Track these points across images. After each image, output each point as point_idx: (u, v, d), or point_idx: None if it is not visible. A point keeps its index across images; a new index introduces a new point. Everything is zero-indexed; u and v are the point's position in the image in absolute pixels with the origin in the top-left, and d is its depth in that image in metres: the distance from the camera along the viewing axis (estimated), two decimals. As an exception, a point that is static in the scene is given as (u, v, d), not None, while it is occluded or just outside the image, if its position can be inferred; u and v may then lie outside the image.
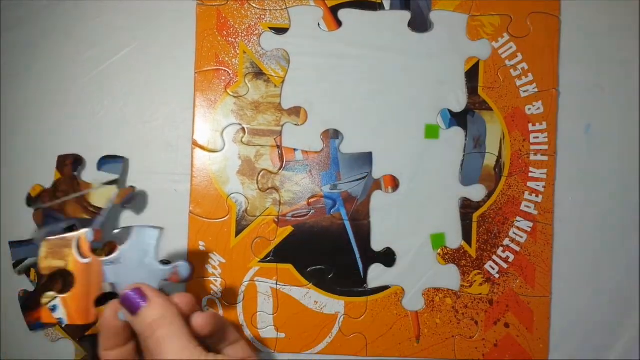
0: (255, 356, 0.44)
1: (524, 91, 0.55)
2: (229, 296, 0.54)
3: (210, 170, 0.55)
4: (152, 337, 0.40)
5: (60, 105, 0.56)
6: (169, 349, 0.39)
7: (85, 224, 0.53)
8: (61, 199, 0.53)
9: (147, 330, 0.40)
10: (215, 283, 0.54)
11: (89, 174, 0.55)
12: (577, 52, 0.55)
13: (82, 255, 0.46)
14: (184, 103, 0.55)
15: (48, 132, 0.55)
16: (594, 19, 0.56)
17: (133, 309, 0.41)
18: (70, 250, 0.46)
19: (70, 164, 0.55)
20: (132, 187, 0.54)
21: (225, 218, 0.55)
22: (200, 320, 0.42)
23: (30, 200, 0.54)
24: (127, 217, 0.55)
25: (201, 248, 0.54)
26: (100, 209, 0.54)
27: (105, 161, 0.55)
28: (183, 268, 0.46)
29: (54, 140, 0.55)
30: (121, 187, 0.54)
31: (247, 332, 0.54)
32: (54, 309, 0.47)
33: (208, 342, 0.43)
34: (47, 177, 0.55)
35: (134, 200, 0.54)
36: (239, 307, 0.54)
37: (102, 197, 0.54)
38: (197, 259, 0.54)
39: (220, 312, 0.54)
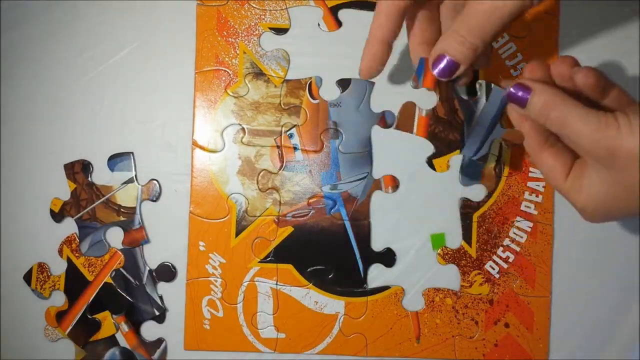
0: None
1: (524, 91, 0.55)
2: (229, 296, 0.54)
3: (210, 170, 0.55)
4: (549, 120, 0.40)
5: (60, 106, 0.56)
6: (571, 121, 0.39)
7: (124, 226, 0.54)
8: (88, 208, 0.54)
9: (542, 116, 0.41)
10: (215, 283, 0.54)
11: (101, 175, 0.55)
12: (577, 52, 0.55)
13: (313, 97, 0.54)
14: (184, 103, 0.55)
15: (48, 132, 0.55)
16: (594, 19, 0.56)
17: (521, 103, 0.42)
18: (304, 92, 0.54)
19: (80, 170, 0.55)
20: (153, 179, 0.55)
21: (225, 218, 0.55)
22: (581, 75, 0.41)
23: (56, 216, 0.54)
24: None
25: (201, 248, 0.54)
26: (132, 208, 0.54)
27: (116, 160, 0.55)
28: (389, 114, 0.54)
29: (54, 140, 0.55)
30: (141, 182, 0.55)
31: (247, 332, 0.54)
32: (291, 136, 0.54)
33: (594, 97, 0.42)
34: (47, 177, 0.55)
35: (160, 193, 0.55)
36: (239, 307, 0.54)
37: (128, 196, 0.55)
38: (197, 259, 0.55)
39: (221, 312, 0.54)
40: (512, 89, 0.42)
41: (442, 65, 0.43)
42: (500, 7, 0.40)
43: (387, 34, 0.43)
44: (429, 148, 0.54)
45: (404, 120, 0.54)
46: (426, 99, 0.54)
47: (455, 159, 0.54)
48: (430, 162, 0.54)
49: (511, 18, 0.41)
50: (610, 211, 0.42)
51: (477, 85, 0.54)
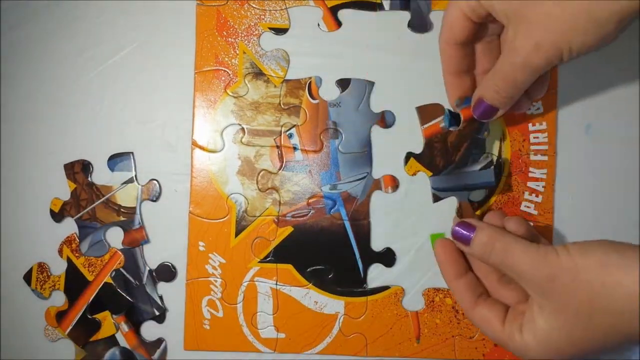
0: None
1: (524, 91, 0.55)
2: (229, 296, 0.54)
3: (210, 170, 0.55)
4: (494, 251, 0.44)
5: (60, 106, 0.56)
6: (513, 251, 0.43)
7: (124, 226, 0.54)
8: (88, 208, 0.54)
9: (486, 250, 0.44)
10: (215, 283, 0.54)
11: (101, 175, 0.55)
12: (577, 52, 0.55)
13: (312, 97, 0.54)
14: (184, 103, 0.55)
15: (48, 132, 0.55)
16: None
17: (465, 241, 0.46)
18: (304, 92, 0.54)
19: (80, 170, 0.55)
20: (153, 179, 0.55)
21: (225, 218, 0.55)
22: (512, 224, 0.47)
23: (56, 216, 0.55)
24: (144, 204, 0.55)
25: (201, 248, 0.54)
26: (132, 208, 0.54)
27: (116, 160, 0.55)
28: (389, 114, 0.54)
29: (54, 140, 0.55)
30: (141, 182, 0.55)
31: (247, 332, 0.54)
32: (290, 136, 0.54)
33: None
34: (47, 177, 0.55)
35: (160, 193, 0.55)
36: (239, 307, 0.55)
37: (128, 196, 0.55)
38: (196, 259, 0.55)
39: (220, 312, 0.54)
40: (456, 227, 0.46)
41: (481, 109, 0.47)
42: (530, 64, 0.42)
43: (453, 64, 0.49)
44: (418, 148, 0.54)
45: (425, 113, 0.54)
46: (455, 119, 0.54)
47: (423, 176, 0.54)
48: (407, 157, 0.54)
49: (542, 71, 0.43)
50: (558, 346, 0.41)
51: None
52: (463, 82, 0.49)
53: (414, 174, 0.54)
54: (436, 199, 0.54)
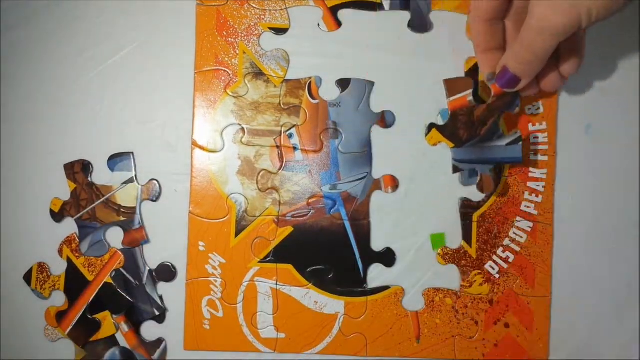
0: None
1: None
2: (228, 296, 0.54)
3: (210, 170, 0.55)
4: None
5: (60, 106, 0.56)
6: None
7: (124, 226, 0.54)
8: (88, 208, 0.54)
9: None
10: (215, 283, 0.54)
11: (101, 175, 0.55)
12: (577, 52, 0.55)
13: (312, 97, 0.54)
14: (184, 103, 0.55)
15: (48, 132, 0.56)
16: (594, 19, 0.56)
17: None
18: (304, 92, 0.54)
19: (80, 170, 0.55)
20: (153, 179, 0.55)
21: (225, 218, 0.55)
22: None
23: (56, 216, 0.55)
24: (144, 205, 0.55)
25: (201, 248, 0.54)
26: (132, 208, 0.54)
27: (116, 160, 0.55)
28: (388, 114, 0.54)
29: (54, 140, 0.55)
30: (141, 182, 0.55)
31: (247, 332, 0.54)
32: (290, 136, 0.54)
33: None
34: (47, 177, 0.55)
35: (160, 193, 0.55)
36: (239, 307, 0.54)
37: (128, 196, 0.55)
38: (196, 259, 0.55)
39: (220, 312, 0.54)
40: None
41: (505, 79, 0.48)
42: (547, 27, 0.42)
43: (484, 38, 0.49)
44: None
45: (452, 86, 0.54)
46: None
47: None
48: (430, 128, 0.54)
49: (560, 35, 0.43)
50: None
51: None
52: (495, 57, 0.49)
53: (435, 145, 0.54)
54: (455, 170, 0.53)
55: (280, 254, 0.55)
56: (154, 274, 0.55)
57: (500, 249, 0.55)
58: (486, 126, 0.53)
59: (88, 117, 0.56)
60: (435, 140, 0.54)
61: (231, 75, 0.55)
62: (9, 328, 0.55)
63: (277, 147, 0.55)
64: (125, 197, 0.55)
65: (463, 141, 0.54)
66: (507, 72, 0.47)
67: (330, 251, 0.55)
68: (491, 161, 0.53)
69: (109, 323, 0.55)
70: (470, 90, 0.54)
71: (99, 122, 0.56)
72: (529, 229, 0.55)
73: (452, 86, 0.54)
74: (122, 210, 0.55)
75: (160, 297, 0.55)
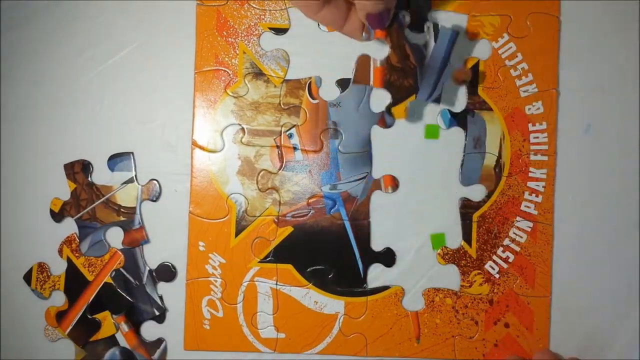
0: None
1: (524, 91, 0.55)
2: (228, 296, 0.54)
3: (210, 170, 0.55)
4: None
5: (60, 106, 0.56)
6: None
7: (124, 226, 0.54)
8: (88, 208, 0.54)
9: None
10: (215, 283, 0.54)
11: (101, 175, 0.55)
12: (577, 52, 0.55)
13: (312, 97, 0.54)
14: (184, 103, 0.55)
15: (48, 132, 0.56)
16: (594, 19, 0.56)
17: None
18: (304, 92, 0.54)
19: (80, 170, 0.55)
20: (153, 179, 0.55)
21: (225, 218, 0.55)
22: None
23: (56, 216, 0.55)
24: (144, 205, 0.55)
25: (201, 248, 0.54)
26: (132, 208, 0.54)
27: (116, 160, 0.55)
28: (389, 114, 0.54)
29: (54, 140, 0.55)
30: (141, 182, 0.55)
31: (247, 332, 0.54)
32: (290, 136, 0.54)
33: None
34: (47, 177, 0.55)
35: (160, 193, 0.55)
36: (239, 307, 0.54)
37: (128, 196, 0.55)
38: (196, 259, 0.55)
39: (220, 312, 0.54)
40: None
41: (375, 22, 0.48)
42: None
43: None
44: (387, 97, 0.55)
45: (360, 73, 0.55)
46: (379, 50, 0.54)
47: (411, 104, 0.55)
48: (389, 111, 0.54)
49: None
50: None
51: (425, 28, 0.54)
52: (354, 20, 0.49)
53: (406, 112, 0.54)
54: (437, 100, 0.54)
55: (280, 254, 0.55)
56: (154, 274, 0.55)
57: (500, 249, 0.55)
58: (409, 55, 0.54)
59: (88, 117, 0.56)
60: (401, 113, 0.55)
61: (231, 75, 0.55)
62: (9, 328, 0.55)
63: (277, 147, 0.55)
64: (125, 197, 0.55)
65: (414, 85, 0.54)
66: (373, 15, 0.47)
67: (330, 251, 0.55)
68: (443, 64, 0.53)
69: (109, 323, 0.55)
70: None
71: (99, 122, 0.56)
72: (529, 229, 0.55)
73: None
74: (122, 210, 0.55)
75: (160, 297, 0.55)
